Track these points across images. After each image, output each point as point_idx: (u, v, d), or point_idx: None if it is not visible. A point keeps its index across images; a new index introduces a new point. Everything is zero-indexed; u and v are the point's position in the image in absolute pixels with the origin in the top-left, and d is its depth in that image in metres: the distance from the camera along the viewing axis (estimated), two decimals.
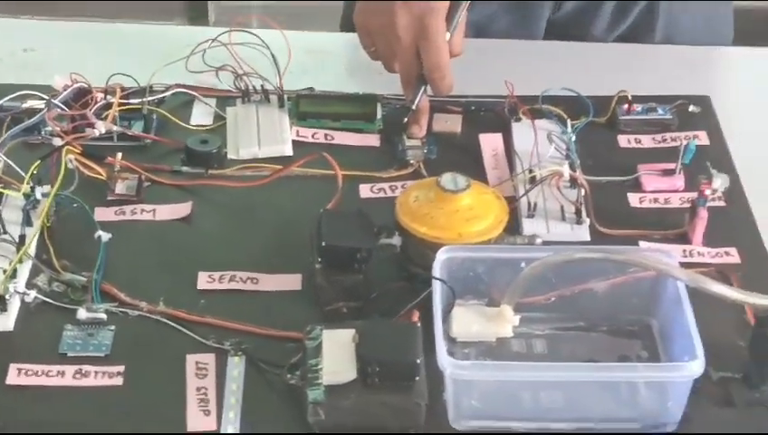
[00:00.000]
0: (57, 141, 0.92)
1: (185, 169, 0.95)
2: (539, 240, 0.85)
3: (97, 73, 0.99)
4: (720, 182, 0.87)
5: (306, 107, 1.02)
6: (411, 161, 0.97)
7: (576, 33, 1.13)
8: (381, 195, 0.94)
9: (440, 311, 0.75)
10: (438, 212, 0.82)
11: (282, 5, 2.12)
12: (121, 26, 1.15)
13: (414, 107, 0.97)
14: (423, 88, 0.97)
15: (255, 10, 2.09)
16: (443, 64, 0.95)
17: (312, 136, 1.00)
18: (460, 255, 0.79)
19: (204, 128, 1.00)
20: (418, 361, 0.73)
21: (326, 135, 1.00)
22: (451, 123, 1.01)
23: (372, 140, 1.00)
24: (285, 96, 1.01)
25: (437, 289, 0.77)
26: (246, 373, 0.77)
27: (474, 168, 0.95)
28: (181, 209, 0.91)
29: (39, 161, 0.88)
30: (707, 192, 0.86)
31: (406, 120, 0.97)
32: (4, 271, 0.81)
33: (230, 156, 0.97)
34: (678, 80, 1.08)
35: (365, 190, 0.94)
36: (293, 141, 0.99)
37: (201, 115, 1.02)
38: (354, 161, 0.96)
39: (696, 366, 0.71)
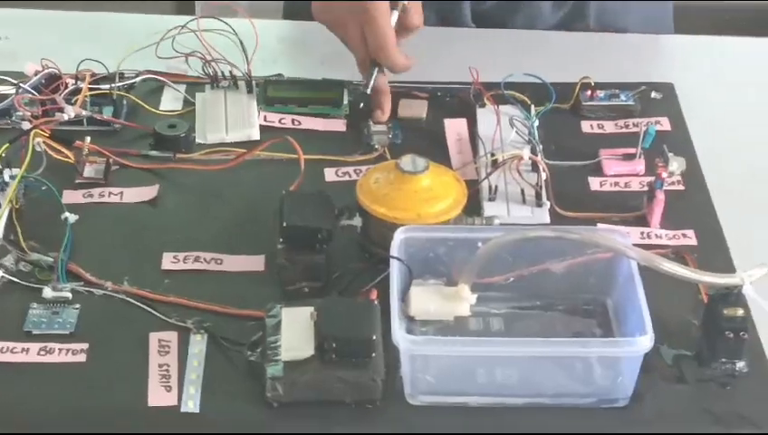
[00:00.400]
0: (26, 125, 0.92)
1: (153, 153, 0.96)
2: (497, 221, 0.86)
3: (70, 61, 1.00)
4: (676, 165, 0.88)
5: (274, 92, 1.02)
6: (376, 146, 0.98)
7: (506, 24, 1.14)
8: (346, 178, 0.95)
9: (396, 288, 0.76)
10: (398, 193, 0.83)
11: (267, 4, 2.12)
12: (95, 15, 1.15)
13: (369, 91, 0.97)
14: (375, 71, 0.97)
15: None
16: (387, 45, 0.95)
17: (280, 121, 1.01)
18: (417, 235, 0.80)
19: (173, 113, 1.00)
20: (374, 337, 0.74)
21: (293, 120, 1.01)
22: (417, 108, 1.02)
23: (338, 124, 1.01)
24: (254, 82, 1.02)
25: (395, 268, 0.77)
26: (208, 351, 0.78)
27: (438, 152, 0.96)
28: (148, 192, 0.92)
29: (7, 144, 0.89)
30: (664, 175, 0.87)
31: (362, 105, 0.98)
32: None
33: (198, 140, 0.98)
34: (638, 67, 1.09)
35: (330, 174, 0.95)
36: (261, 126, 0.99)
37: (171, 101, 1.03)
38: (320, 146, 0.97)
39: (645, 341, 0.72)
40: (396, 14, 0.97)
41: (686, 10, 1.25)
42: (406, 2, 0.97)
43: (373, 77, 0.97)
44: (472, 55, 1.06)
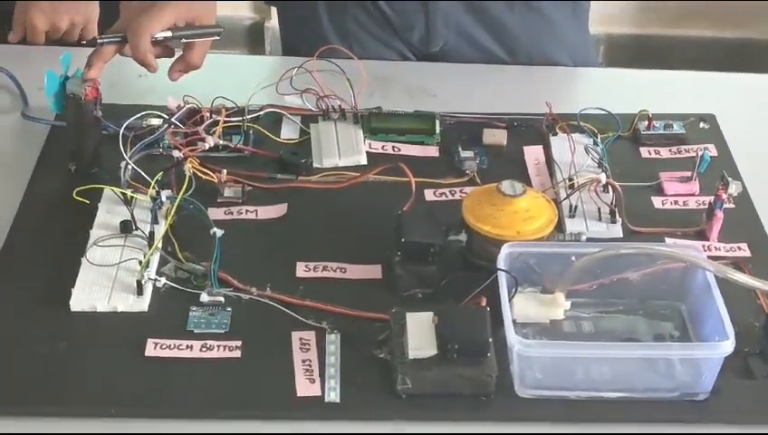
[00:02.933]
0: (176, 153, 0.91)
1: (279, 175, 0.94)
2: (584, 237, 0.84)
3: (200, 96, 0.98)
4: (734, 188, 0.86)
5: (376, 123, 1.01)
6: (467, 171, 0.95)
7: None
8: (443, 198, 0.93)
9: (507, 297, 0.74)
10: (500, 213, 0.81)
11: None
12: (219, 57, 1.14)
13: (101, 42, 0.92)
14: (118, 40, 0.92)
15: None
16: (143, 40, 0.91)
17: (382, 148, 0.99)
18: (521, 250, 0.78)
19: (292, 141, 0.99)
20: (490, 339, 0.72)
21: (393, 147, 0.99)
22: (498, 137, 1.00)
23: (432, 151, 0.99)
24: (359, 114, 1.01)
25: (503, 279, 0.76)
26: (342, 348, 0.77)
27: (520, 175, 0.93)
28: (279, 210, 0.90)
29: (162, 172, 0.87)
30: (724, 196, 0.85)
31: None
32: (140, 262, 0.80)
33: (315, 165, 0.96)
34: (677, 100, 1.06)
35: (429, 194, 0.93)
36: (367, 152, 0.97)
37: (289, 130, 1.01)
38: (418, 169, 0.94)
39: (727, 345, 0.70)
40: (168, 34, 0.93)
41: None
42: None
43: (111, 39, 0.92)
44: (535, 90, 1.04)
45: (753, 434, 0.72)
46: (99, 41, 0.92)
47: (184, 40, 0.95)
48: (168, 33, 0.93)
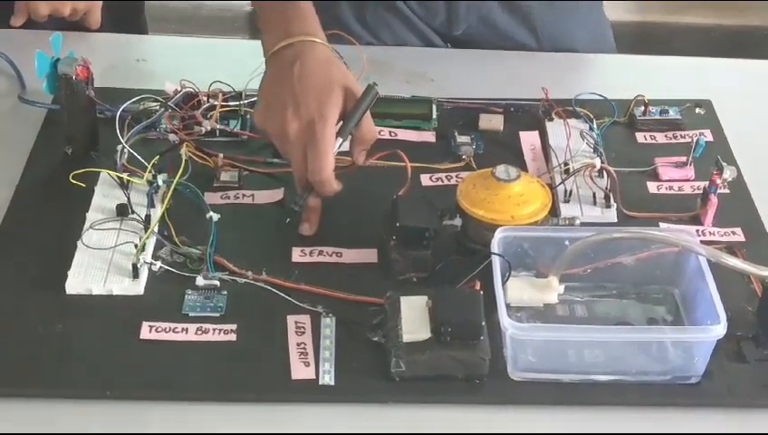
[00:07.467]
0: (172, 137, 0.91)
1: (276, 160, 0.93)
2: (578, 222, 0.84)
3: (197, 80, 0.98)
4: (729, 173, 0.85)
5: (373, 108, 1.00)
6: (463, 156, 0.95)
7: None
8: (439, 183, 0.92)
9: (500, 281, 0.74)
10: (494, 198, 0.81)
11: None
12: (217, 41, 1.13)
13: (296, 208, 0.83)
14: (308, 193, 0.84)
15: None
16: (324, 170, 0.81)
17: (379, 133, 0.98)
18: (515, 234, 0.78)
19: None
20: (483, 323, 0.72)
21: (390, 132, 0.99)
22: (494, 122, 1.00)
23: (429, 136, 0.99)
24: None
25: (497, 263, 0.75)
26: (336, 332, 0.77)
27: (515, 161, 0.93)
28: (275, 194, 0.90)
29: (158, 156, 0.87)
30: (718, 181, 0.85)
31: (288, 220, 0.83)
32: (136, 245, 0.80)
33: None
34: (673, 86, 1.05)
35: (425, 179, 0.93)
36: None
37: None
38: (414, 155, 0.94)
39: (719, 329, 0.70)
40: (339, 142, 0.83)
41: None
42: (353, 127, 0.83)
43: (307, 196, 0.84)
44: (532, 75, 1.04)
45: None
46: (296, 208, 0.82)
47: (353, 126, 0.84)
48: (340, 141, 0.82)
